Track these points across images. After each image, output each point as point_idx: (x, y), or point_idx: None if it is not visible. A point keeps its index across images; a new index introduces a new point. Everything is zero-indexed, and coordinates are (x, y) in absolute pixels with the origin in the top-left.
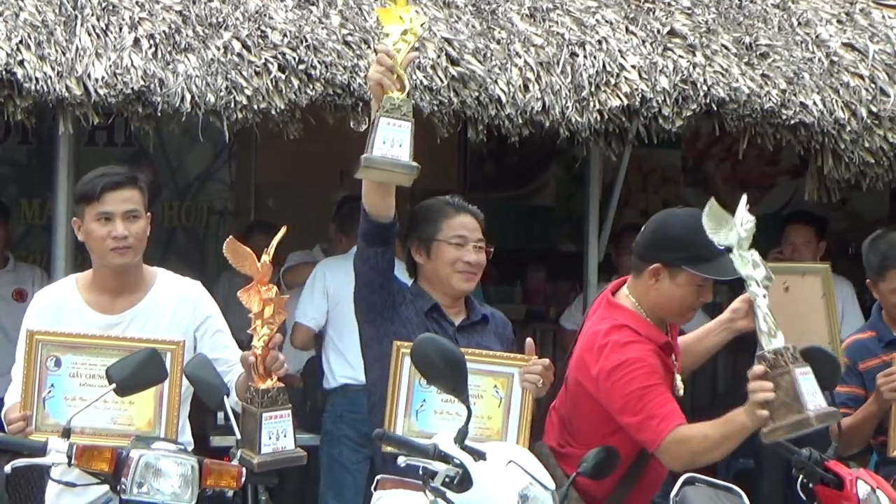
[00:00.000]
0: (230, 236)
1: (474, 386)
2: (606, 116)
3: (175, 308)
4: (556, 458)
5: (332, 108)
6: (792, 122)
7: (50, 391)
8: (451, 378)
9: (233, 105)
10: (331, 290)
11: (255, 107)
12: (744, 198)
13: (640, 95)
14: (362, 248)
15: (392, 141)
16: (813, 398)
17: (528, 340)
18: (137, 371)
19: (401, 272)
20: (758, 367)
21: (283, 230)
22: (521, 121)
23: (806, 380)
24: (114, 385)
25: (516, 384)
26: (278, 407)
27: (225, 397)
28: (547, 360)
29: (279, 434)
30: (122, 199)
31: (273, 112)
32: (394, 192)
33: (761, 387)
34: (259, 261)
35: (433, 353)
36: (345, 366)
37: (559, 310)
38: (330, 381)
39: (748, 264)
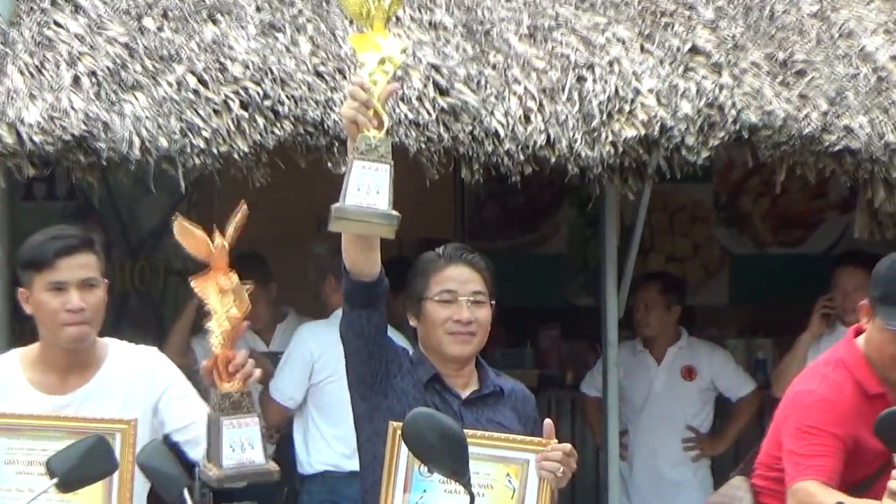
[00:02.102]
0: (177, 215)
1: (483, 474)
2: (621, 149)
3: (130, 383)
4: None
5: (303, 150)
6: (836, 148)
7: None
8: (450, 458)
9: (189, 149)
10: (315, 360)
11: (215, 150)
12: None
13: (659, 123)
14: (346, 312)
15: (368, 187)
16: None
17: (547, 422)
18: (82, 462)
19: (401, 337)
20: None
21: (242, 208)
22: (522, 157)
23: None
24: (55, 480)
25: (532, 473)
26: (242, 413)
27: (185, 490)
28: (569, 446)
29: (244, 444)
30: (77, 265)
31: (236, 156)
32: (377, 246)
33: None
34: (213, 243)
35: (427, 429)
36: (325, 450)
37: (577, 374)
38: (306, 466)
39: None
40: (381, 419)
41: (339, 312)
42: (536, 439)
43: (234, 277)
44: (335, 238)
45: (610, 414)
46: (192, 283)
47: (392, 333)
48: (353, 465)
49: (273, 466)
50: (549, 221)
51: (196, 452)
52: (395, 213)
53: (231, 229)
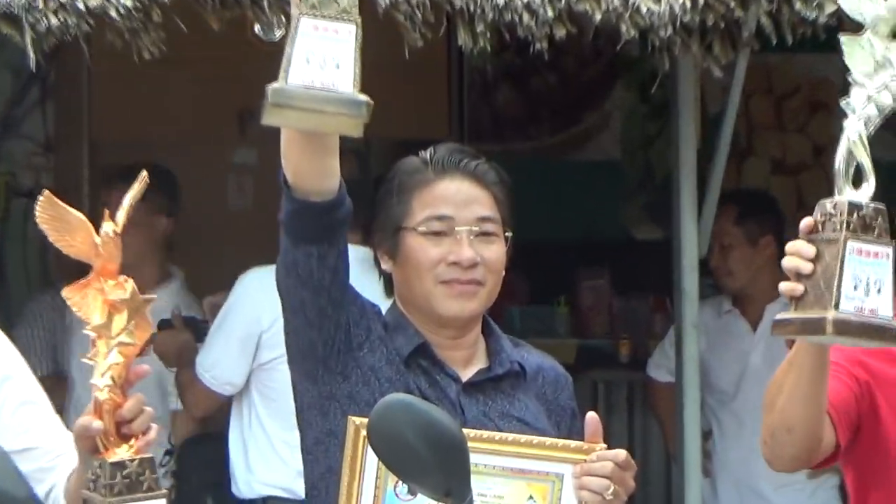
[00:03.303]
0: (45, 191)
1: (493, 497)
2: (703, 1)
3: None
4: None
5: (216, 5)
6: None
7: None
8: (442, 471)
9: (42, 4)
10: (265, 328)
11: (82, 5)
12: None
13: None
14: (287, 250)
15: (323, 59)
16: (860, 295)
17: (591, 417)
18: None
19: (376, 293)
20: (806, 221)
21: (143, 176)
22: (550, 13)
23: (863, 264)
24: None
25: (568, 494)
26: (142, 495)
27: None
28: (623, 453)
29: None
30: None
31: (113, 13)
32: (335, 149)
33: (797, 250)
34: (99, 233)
35: (408, 427)
36: (275, 463)
37: (636, 345)
38: (243, 486)
39: (870, 59)
40: (337, 412)
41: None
42: (574, 443)
43: (130, 285)
44: (270, 139)
45: (686, 407)
46: (65, 294)
47: (360, 281)
48: None
49: None
50: (592, 113)
51: (41, 489)
52: (362, 97)
53: (127, 205)
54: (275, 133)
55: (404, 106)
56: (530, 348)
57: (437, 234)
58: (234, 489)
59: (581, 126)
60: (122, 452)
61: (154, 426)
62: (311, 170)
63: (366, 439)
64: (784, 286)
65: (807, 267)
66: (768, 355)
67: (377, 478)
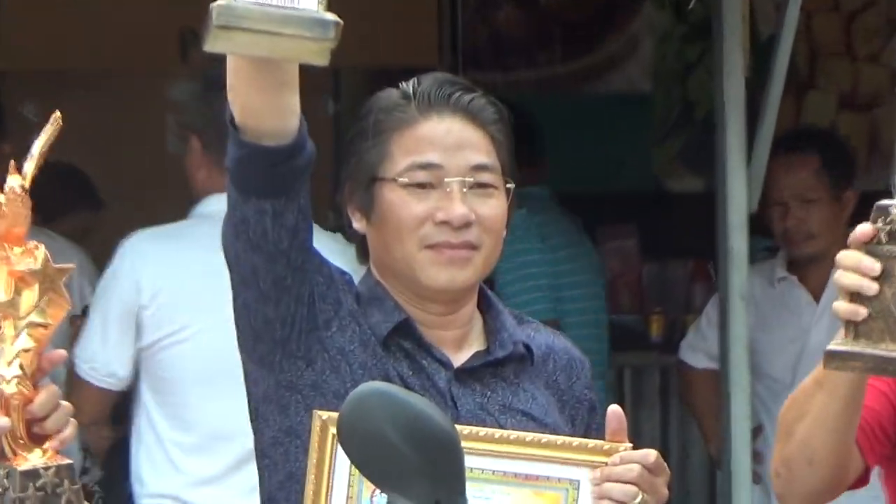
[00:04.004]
0: None
1: None
2: None
3: None
4: None
5: None
6: None
7: None
8: (430, 477)
9: None
10: (146, 302)
11: None
12: None
13: None
14: (235, 204)
15: None
16: None
17: (614, 410)
18: None
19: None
20: (863, 229)
21: (55, 117)
22: None
23: None
24: None
25: (585, 502)
26: None
27: None
28: (653, 454)
29: None
30: None
31: None
32: (294, 82)
33: (856, 264)
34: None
35: (387, 423)
36: (165, 468)
37: (670, 321)
38: (139, 491)
39: None
40: (300, 406)
41: (208, 211)
42: (593, 442)
43: (42, 252)
44: (214, 66)
45: (733, 398)
46: None
47: (320, 242)
48: (217, 497)
49: None
50: (616, 35)
51: None
52: (330, 16)
53: (37, 153)
54: (224, 61)
55: (383, 26)
56: (539, 325)
57: (422, 186)
58: (134, 497)
59: (602, 52)
60: (34, 458)
61: (72, 422)
62: (265, 107)
63: (335, 438)
64: (843, 309)
65: (872, 287)
66: (834, 333)
67: (349, 486)
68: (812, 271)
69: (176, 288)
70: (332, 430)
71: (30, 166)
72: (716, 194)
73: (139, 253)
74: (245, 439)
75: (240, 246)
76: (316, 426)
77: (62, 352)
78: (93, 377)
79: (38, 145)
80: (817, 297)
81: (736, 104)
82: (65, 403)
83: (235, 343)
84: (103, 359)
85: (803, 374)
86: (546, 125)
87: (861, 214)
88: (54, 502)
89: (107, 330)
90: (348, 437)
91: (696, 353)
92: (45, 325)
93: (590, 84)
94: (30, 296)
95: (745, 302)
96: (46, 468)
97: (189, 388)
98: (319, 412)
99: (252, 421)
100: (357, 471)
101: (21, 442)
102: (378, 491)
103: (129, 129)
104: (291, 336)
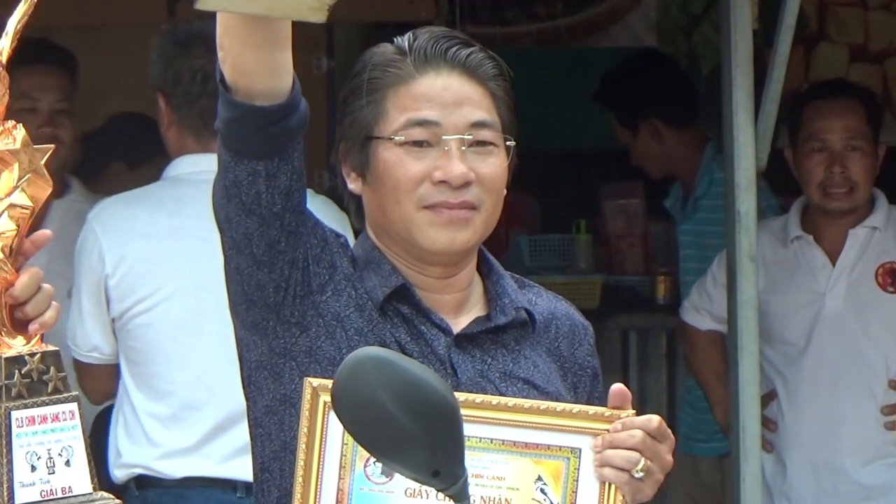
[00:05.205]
0: None
1: (491, 478)
2: None
3: None
4: None
5: None
6: None
7: None
8: (428, 446)
9: None
10: (110, 271)
11: None
12: None
13: None
14: (226, 166)
15: None
16: None
17: (616, 388)
18: None
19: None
20: None
21: None
22: None
23: None
24: None
25: (587, 472)
26: (48, 398)
27: None
28: (656, 419)
29: (54, 460)
30: None
31: None
32: (287, 39)
33: None
34: None
35: (383, 391)
36: (141, 440)
37: (677, 284)
38: (115, 468)
39: None
40: (294, 373)
41: (175, 173)
42: (595, 409)
43: (22, 133)
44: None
45: (742, 363)
46: None
47: (315, 205)
48: (189, 467)
49: (108, 498)
50: None
51: None
52: None
53: (13, 29)
54: (215, 17)
55: None
56: (541, 290)
57: (419, 144)
58: (111, 473)
59: (604, 4)
60: (18, 345)
61: (54, 305)
62: (257, 66)
63: (326, 406)
64: None
65: None
66: (851, 296)
67: (342, 455)
68: (829, 229)
69: (139, 255)
70: (324, 397)
71: (5, 43)
72: (724, 154)
73: (101, 222)
74: (218, 408)
75: (232, 209)
76: (307, 394)
77: (47, 232)
78: (79, 354)
79: (13, 22)
80: (833, 259)
81: (744, 59)
82: (46, 286)
83: (202, 307)
84: (82, 334)
85: (818, 340)
86: (547, 80)
87: (885, 170)
88: (41, 389)
89: (81, 304)
90: (343, 405)
91: (701, 314)
92: (25, 207)
93: (592, 38)
94: (9, 177)
95: (754, 263)
96: (32, 354)
97: (159, 357)
98: (310, 379)
99: (244, 388)
100: (350, 440)
101: (4, 328)
102: (372, 460)
103: (112, 88)
104: (285, 301)
